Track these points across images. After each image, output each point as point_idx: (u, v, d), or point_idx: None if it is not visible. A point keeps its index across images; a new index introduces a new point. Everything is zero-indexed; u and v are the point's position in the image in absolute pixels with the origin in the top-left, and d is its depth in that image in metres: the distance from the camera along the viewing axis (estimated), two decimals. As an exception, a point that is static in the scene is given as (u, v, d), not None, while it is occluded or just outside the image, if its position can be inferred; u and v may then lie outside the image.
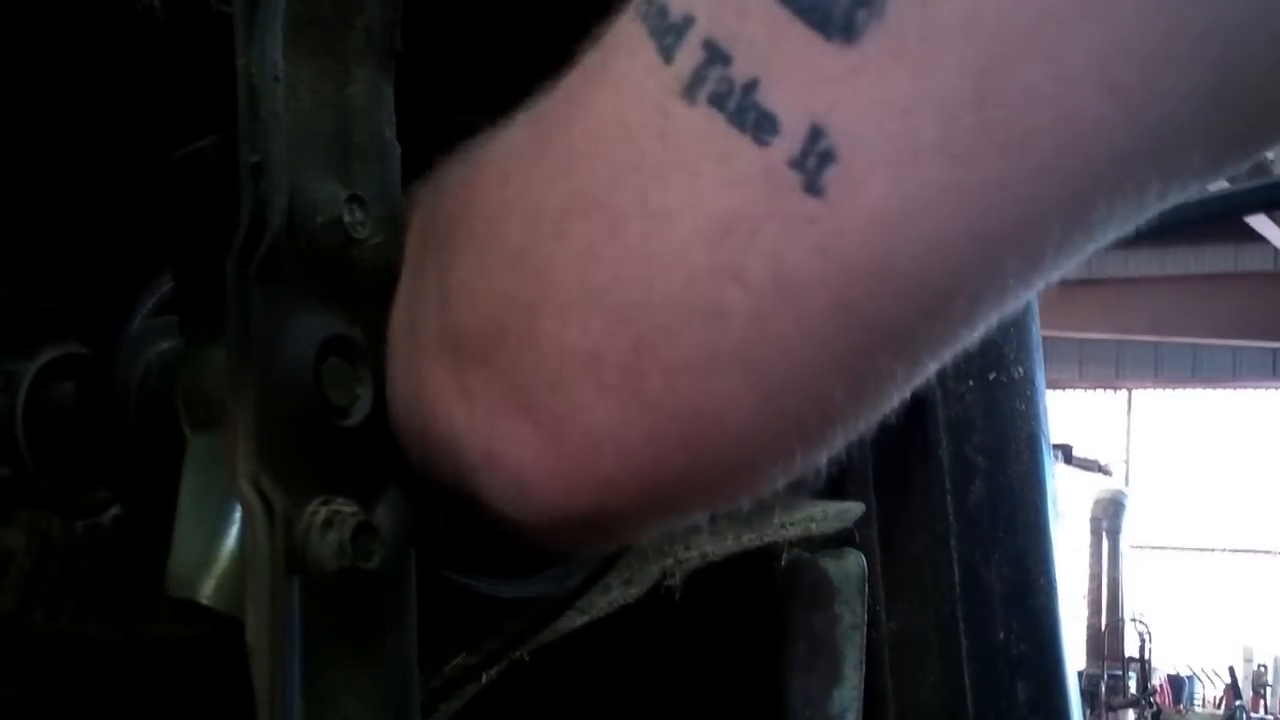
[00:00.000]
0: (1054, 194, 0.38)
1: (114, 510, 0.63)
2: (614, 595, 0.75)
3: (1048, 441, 1.09)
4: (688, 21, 0.40)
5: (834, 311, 0.40)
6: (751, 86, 0.39)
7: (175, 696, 0.68)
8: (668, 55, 0.41)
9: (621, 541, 0.70)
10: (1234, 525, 16.36)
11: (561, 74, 0.46)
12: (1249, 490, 16.10)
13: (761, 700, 0.91)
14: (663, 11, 0.41)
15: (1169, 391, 16.14)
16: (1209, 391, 15.88)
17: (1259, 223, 9.21)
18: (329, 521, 0.46)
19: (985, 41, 0.36)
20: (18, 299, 0.63)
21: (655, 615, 0.78)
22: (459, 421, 0.47)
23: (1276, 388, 15.15)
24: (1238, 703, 11.95)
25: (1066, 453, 11.34)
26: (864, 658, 0.91)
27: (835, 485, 0.96)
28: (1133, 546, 12.05)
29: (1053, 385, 13.87)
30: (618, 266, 0.42)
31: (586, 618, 0.74)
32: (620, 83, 0.42)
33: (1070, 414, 15.43)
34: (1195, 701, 13.33)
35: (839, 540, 0.93)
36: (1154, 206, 0.41)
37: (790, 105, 0.38)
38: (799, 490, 0.91)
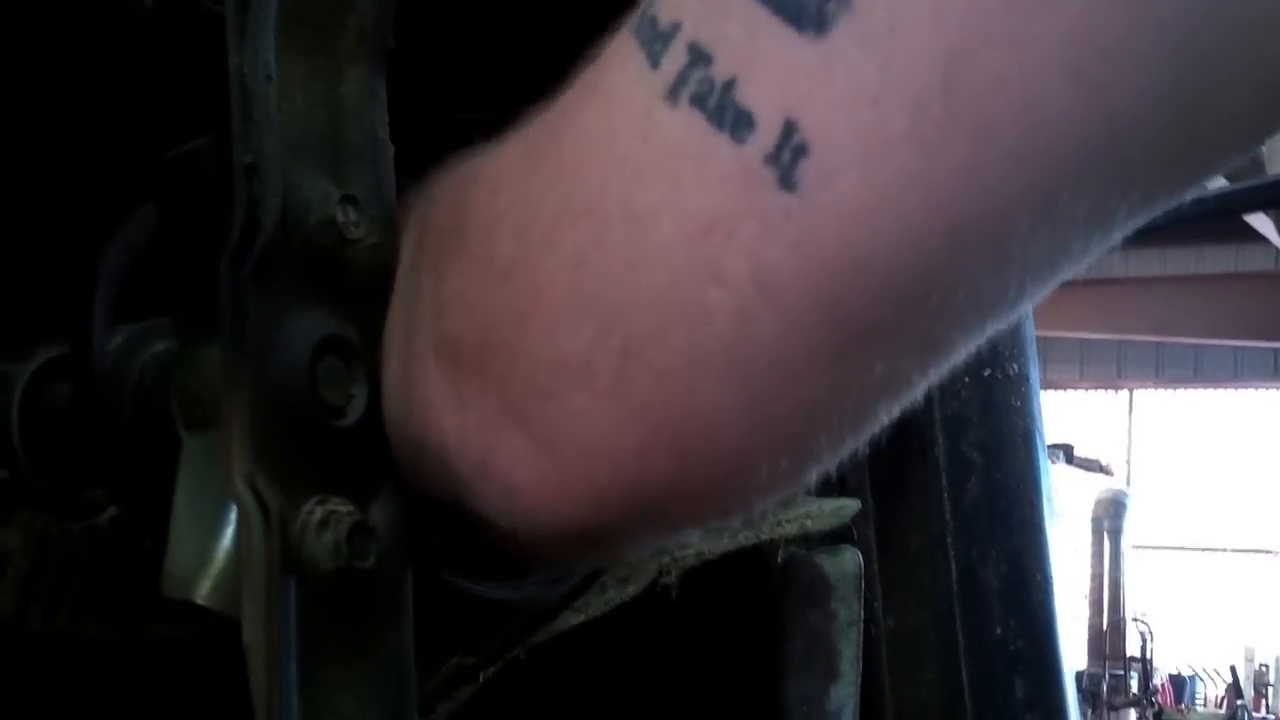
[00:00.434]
0: (1021, 182, 0.38)
1: (110, 511, 0.63)
2: (610, 594, 0.75)
3: (1043, 438, 1.09)
4: (675, 28, 0.41)
5: (812, 308, 0.40)
6: (730, 85, 0.39)
7: (173, 697, 0.68)
8: (655, 61, 0.41)
9: (611, 557, 0.70)
10: (1236, 525, 16.33)
11: (555, 89, 0.46)
12: (1250, 490, 16.08)
13: (758, 698, 0.91)
14: (653, 22, 0.42)
15: (1170, 391, 16.13)
16: (1210, 392, 15.87)
17: (1259, 222, 9.20)
18: (325, 521, 0.46)
19: (952, 28, 0.36)
20: (13, 299, 0.64)
21: (651, 613, 0.78)
22: (452, 431, 0.47)
23: (1278, 388, 15.15)
24: (1239, 702, 11.93)
25: (1068, 453, 11.32)
26: (861, 655, 0.91)
27: (831, 482, 0.96)
28: (1134, 546, 12.02)
29: (1054, 385, 13.90)
30: (604, 271, 0.42)
31: (583, 616, 0.74)
32: (610, 93, 0.43)
33: (1072, 414, 15.41)
34: (1197, 701, 13.32)
35: (835, 537, 0.93)
36: (1120, 218, 0.41)
37: (765, 101, 0.39)
38: (795, 488, 0.91)
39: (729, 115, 0.39)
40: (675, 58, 0.40)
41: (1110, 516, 11.11)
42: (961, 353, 0.44)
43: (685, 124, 0.40)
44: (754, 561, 0.89)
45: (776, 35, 0.38)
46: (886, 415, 0.45)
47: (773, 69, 0.39)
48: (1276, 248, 10.56)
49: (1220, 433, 16.42)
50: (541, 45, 0.51)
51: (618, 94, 0.42)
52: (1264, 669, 13.40)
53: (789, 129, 0.38)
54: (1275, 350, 13.87)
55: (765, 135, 0.39)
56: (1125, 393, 16.50)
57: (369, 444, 0.49)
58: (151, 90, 0.63)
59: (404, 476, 0.50)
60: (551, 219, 0.43)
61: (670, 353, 0.42)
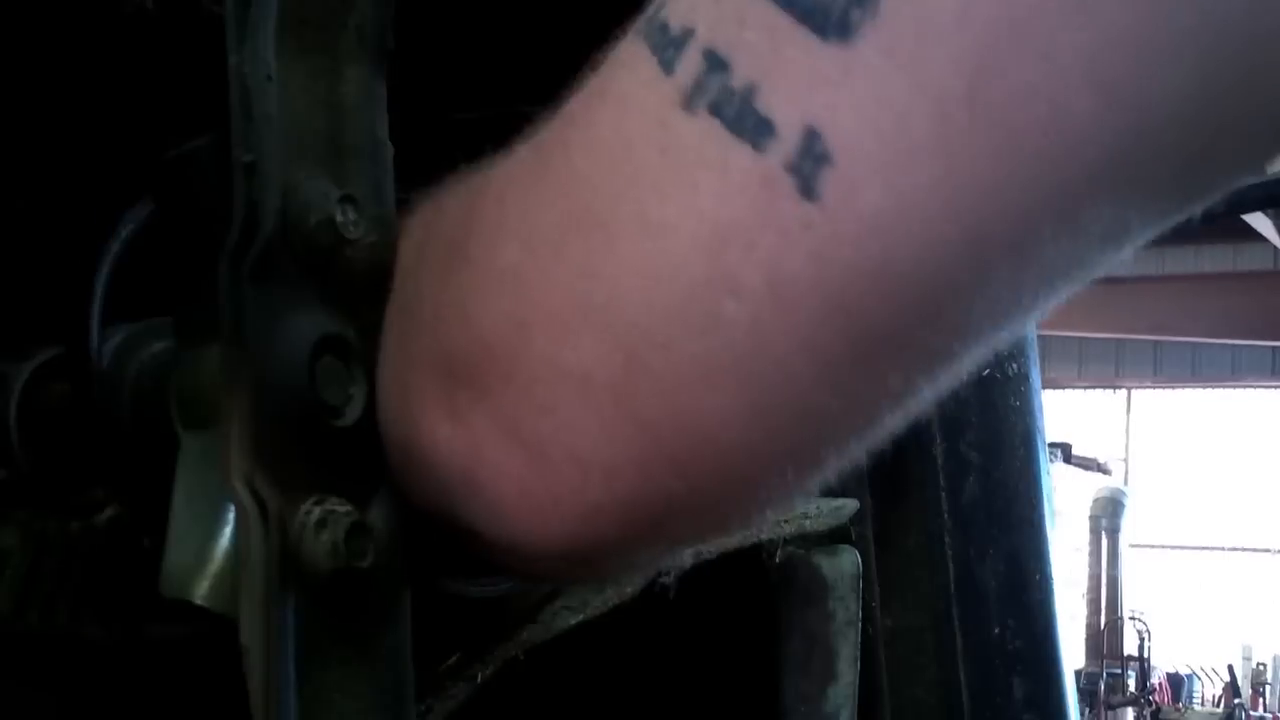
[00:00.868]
0: (1043, 193, 0.38)
1: (109, 510, 0.63)
2: (608, 594, 0.75)
3: (1043, 438, 1.09)
4: (687, 33, 0.40)
5: (829, 318, 0.40)
6: (750, 92, 0.39)
7: (171, 697, 0.68)
8: (668, 68, 0.40)
9: (605, 576, 0.69)
10: (1233, 524, 16.34)
11: (556, 88, 0.45)
12: (1248, 489, 16.09)
13: (756, 698, 0.91)
14: (663, 28, 0.41)
15: (1168, 390, 16.14)
16: (1208, 390, 15.88)
17: (1258, 222, 9.20)
18: (323, 521, 0.46)
19: (978, 37, 0.36)
20: (11, 299, 0.64)
21: (649, 613, 0.78)
22: (442, 440, 0.46)
23: (1276, 387, 15.16)
24: (1237, 701, 11.94)
25: (1066, 452, 11.33)
26: (859, 655, 0.91)
27: (829, 482, 0.96)
28: (1132, 545, 12.03)
29: (1052, 384, 13.89)
30: (615, 283, 0.41)
31: (581, 616, 0.74)
32: (621, 99, 0.42)
33: (1070, 413, 15.42)
34: (1194, 700, 13.32)
35: (833, 537, 0.93)
36: (1135, 229, 0.40)
37: (786, 109, 0.38)
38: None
39: (749, 123, 0.39)
40: (690, 64, 0.40)
41: (1108, 515, 11.12)
42: (971, 362, 0.44)
43: (703, 132, 0.39)
44: (752, 561, 0.89)
45: (799, 42, 0.38)
46: (894, 424, 0.45)
47: (794, 76, 0.38)
48: (1275, 247, 10.57)
49: (1218, 431, 16.43)
50: (542, 45, 0.51)
51: (629, 101, 0.42)
52: (1261, 668, 13.41)
53: (811, 137, 0.38)
54: (1273, 349, 13.88)
55: (786, 144, 0.38)
56: (1123, 392, 16.51)
57: (367, 444, 0.49)
58: (151, 90, 0.63)
59: (395, 480, 0.50)
60: (560, 228, 0.43)
61: (677, 365, 0.41)
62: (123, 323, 0.60)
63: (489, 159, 0.49)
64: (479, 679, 0.70)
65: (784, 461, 0.44)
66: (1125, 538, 11.35)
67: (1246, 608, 15.25)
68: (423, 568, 0.53)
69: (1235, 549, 16.57)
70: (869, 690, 0.94)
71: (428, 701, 0.68)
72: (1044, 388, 1.11)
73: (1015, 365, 1.05)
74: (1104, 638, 10.90)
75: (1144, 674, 11.00)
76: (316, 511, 0.46)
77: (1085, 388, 15.87)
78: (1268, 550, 16.08)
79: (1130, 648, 10.98)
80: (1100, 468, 12.99)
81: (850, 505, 0.95)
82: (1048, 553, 1.06)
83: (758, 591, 0.91)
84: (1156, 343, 14.27)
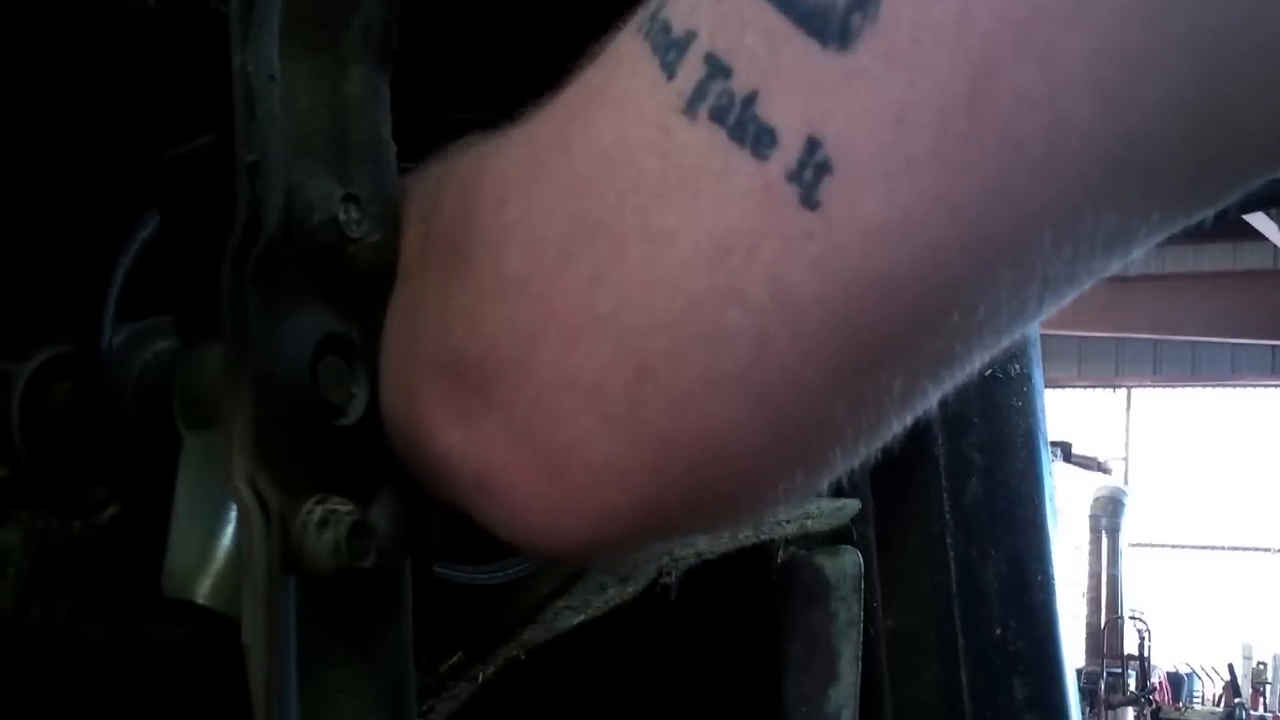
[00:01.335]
0: (1045, 200, 0.37)
1: (111, 509, 0.63)
2: (610, 594, 0.75)
3: (1045, 438, 1.09)
4: (690, 36, 0.40)
5: (834, 328, 0.39)
6: (751, 99, 0.38)
7: (172, 696, 0.68)
8: (670, 72, 0.40)
9: (619, 558, 0.70)
10: (1233, 523, 16.35)
11: (557, 89, 0.45)
12: (1248, 488, 16.09)
13: (758, 698, 0.91)
14: (665, 28, 0.41)
15: (1168, 389, 16.15)
16: (1208, 389, 15.89)
17: (1258, 220, 9.21)
18: (325, 521, 0.46)
19: (977, 43, 0.36)
20: (15, 298, 0.64)
21: (651, 613, 0.78)
22: (453, 445, 0.46)
23: (1275, 385, 15.15)
24: (1237, 700, 11.94)
25: (1066, 450, 11.33)
26: (860, 655, 0.90)
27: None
28: (1132, 544, 12.05)
29: (1052, 383, 13.90)
30: (621, 292, 0.41)
31: (583, 616, 0.74)
32: (622, 102, 0.42)
33: (1070, 412, 15.42)
34: (1194, 699, 13.33)
35: (835, 537, 0.93)
36: (1140, 236, 0.40)
37: (787, 116, 0.38)
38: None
39: (750, 131, 0.38)
40: (692, 69, 0.39)
41: (1108, 514, 11.13)
42: (976, 364, 0.44)
43: (705, 139, 0.39)
44: (754, 561, 0.89)
45: (799, 49, 0.38)
46: (899, 425, 0.44)
47: (795, 84, 0.38)
48: (1275, 245, 10.57)
49: (1218, 430, 16.42)
50: (543, 44, 0.50)
51: (630, 104, 0.41)
52: (1261, 667, 13.41)
53: (812, 145, 0.38)
54: (1273, 348, 13.88)
55: (787, 152, 0.38)
56: (1123, 390, 16.52)
57: (369, 443, 0.49)
58: (155, 89, 0.63)
59: (404, 474, 0.50)
60: (564, 236, 0.42)
61: (686, 375, 0.41)
62: (125, 322, 0.60)
63: (470, 142, 0.49)
64: (480, 679, 0.70)
65: (794, 464, 0.44)
66: (1125, 537, 11.37)
67: (1247, 607, 15.26)
68: (426, 556, 0.53)
69: (1235, 548, 16.58)
70: (870, 690, 0.94)
71: (429, 701, 0.68)
72: (1044, 387, 1.11)
73: (1017, 366, 1.05)
74: (1104, 637, 10.91)
75: (1144, 673, 11.01)
76: (318, 511, 0.46)
77: (1085, 387, 15.88)
78: (1268, 549, 16.09)
79: (1130, 647, 10.99)
80: (1100, 467, 13.00)
81: (852, 505, 0.95)
82: (1049, 554, 1.06)
83: (760, 592, 0.91)
84: (1156, 341, 14.27)
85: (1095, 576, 11.14)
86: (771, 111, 0.38)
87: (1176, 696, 12.90)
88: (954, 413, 1.03)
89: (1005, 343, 0.43)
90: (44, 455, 0.61)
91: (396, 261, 0.50)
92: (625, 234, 0.41)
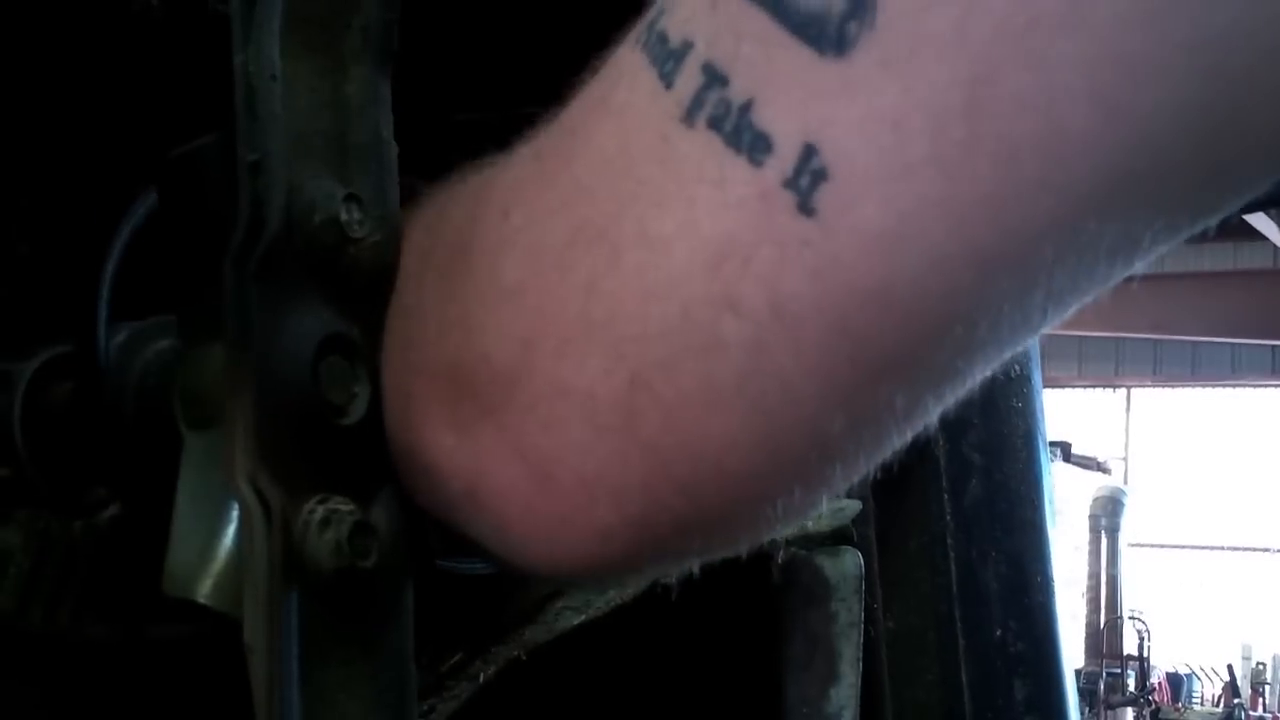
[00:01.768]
0: (1045, 210, 0.37)
1: (112, 509, 0.63)
2: (610, 594, 0.75)
3: (1045, 439, 1.08)
4: (687, 46, 0.40)
5: (832, 339, 0.39)
6: (748, 107, 0.38)
7: (174, 695, 0.68)
8: (668, 81, 0.40)
9: (615, 585, 0.68)
10: (1233, 523, 16.36)
11: (561, 103, 0.45)
12: (1248, 488, 16.10)
13: (758, 699, 0.91)
14: (662, 39, 0.40)
15: (1168, 389, 16.15)
16: (1208, 389, 15.90)
17: (1258, 220, 9.21)
18: (326, 520, 0.46)
19: (975, 50, 0.35)
20: (15, 298, 0.64)
21: (652, 614, 0.77)
22: (445, 451, 0.46)
23: (1275, 385, 15.16)
24: (1236, 701, 11.94)
25: (1066, 450, 11.33)
26: (861, 656, 0.90)
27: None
28: (1131, 544, 12.05)
29: (1052, 383, 13.91)
30: (615, 299, 0.41)
31: (583, 617, 0.74)
32: (622, 112, 0.42)
33: (1069, 412, 15.43)
34: (1194, 699, 13.34)
35: (836, 538, 0.93)
36: (1145, 245, 0.40)
37: (783, 123, 0.38)
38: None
39: (746, 138, 0.38)
40: (689, 78, 0.39)
41: (1108, 514, 11.13)
42: (978, 377, 0.43)
43: (702, 147, 0.39)
44: (754, 562, 0.89)
45: (795, 56, 0.37)
46: (900, 441, 0.44)
47: (791, 91, 0.38)
48: (1275, 245, 10.57)
49: (1218, 430, 16.43)
50: (545, 46, 0.50)
51: (630, 114, 0.41)
52: (1261, 667, 13.42)
53: (808, 152, 0.37)
54: (1273, 348, 13.89)
55: (784, 159, 0.38)
56: (1123, 390, 16.53)
57: (371, 443, 0.49)
58: (157, 89, 0.63)
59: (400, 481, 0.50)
60: (564, 244, 0.42)
61: (680, 385, 0.40)
62: (127, 321, 0.60)
63: (489, 158, 0.48)
64: (481, 679, 0.70)
65: (791, 482, 0.43)
66: (1125, 537, 11.37)
67: (1246, 607, 15.26)
68: (427, 556, 0.53)
69: (1235, 548, 16.58)
70: (871, 691, 0.94)
71: (430, 701, 0.68)
72: (1044, 387, 1.11)
73: (1017, 367, 1.05)
74: (1103, 637, 10.91)
75: (1143, 673, 11.01)
76: (320, 511, 0.46)
77: (1085, 386, 15.89)
78: (1268, 550, 16.09)
79: (1130, 647, 10.99)
80: (1100, 466, 13.00)
81: (853, 506, 0.95)
82: (1049, 555, 1.06)
83: (760, 592, 0.91)
84: (1156, 341, 14.28)
85: (1094, 576, 11.14)
86: (768, 118, 0.38)
87: (1176, 697, 12.91)
88: (954, 414, 1.02)
89: (1008, 355, 0.43)
90: (45, 455, 0.61)
91: (398, 263, 0.50)
92: (622, 241, 0.41)
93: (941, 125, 0.36)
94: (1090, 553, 11.13)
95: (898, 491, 1.02)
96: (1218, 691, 12.90)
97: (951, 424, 1.03)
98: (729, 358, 0.40)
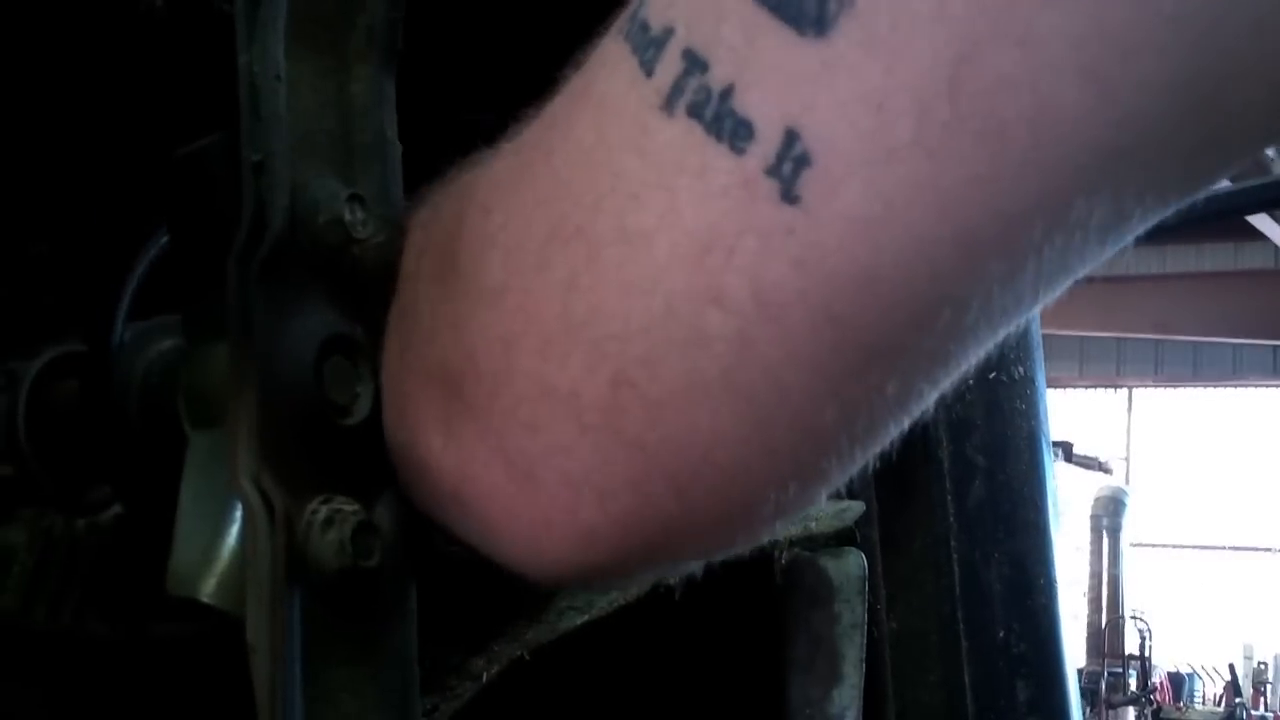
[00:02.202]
0: (1033, 189, 0.36)
1: (116, 508, 0.63)
2: (613, 595, 0.75)
3: (1048, 440, 1.08)
4: (667, 33, 0.39)
5: (819, 327, 0.38)
6: (728, 92, 0.37)
7: (176, 695, 0.68)
8: (648, 69, 0.39)
9: (608, 590, 0.68)
10: (1234, 523, 16.36)
11: (546, 98, 0.44)
12: (1249, 488, 16.10)
13: (761, 700, 0.91)
14: (644, 27, 0.40)
15: (1169, 389, 16.15)
16: (1209, 389, 15.89)
17: (1260, 220, 9.20)
18: (330, 520, 0.46)
19: (957, 27, 0.35)
20: (19, 297, 0.64)
21: (654, 614, 0.77)
22: (435, 452, 0.46)
23: (1277, 385, 15.15)
24: (1238, 700, 11.94)
25: (1067, 450, 11.32)
26: (864, 657, 0.90)
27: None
28: (1133, 544, 12.05)
29: (1053, 384, 13.90)
30: (595, 296, 0.40)
31: (586, 617, 0.74)
32: (602, 103, 0.41)
33: (1071, 412, 15.42)
34: (1195, 699, 13.33)
35: (839, 539, 0.93)
36: (1134, 221, 0.39)
37: (765, 108, 0.37)
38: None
39: (727, 124, 0.37)
40: (669, 65, 0.38)
41: (1109, 514, 11.13)
42: (972, 361, 0.42)
43: (683, 135, 0.38)
44: (757, 563, 0.89)
45: (775, 38, 0.36)
46: (897, 429, 0.43)
47: (772, 74, 0.37)
48: (1276, 245, 10.56)
49: (1219, 430, 16.43)
50: (549, 45, 0.50)
51: (609, 104, 0.40)
52: (1262, 667, 13.42)
53: (790, 138, 0.36)
54: (1274, 348, 13.88)
55: (765, 145, 0.37)
56: (1124, 390, 16.53)
57: (374, 443, 0.49)
58: (161, 88, 0.63)
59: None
60: (543, 241, 0.41)
61: (665, 381, 0.40)
62: (130, 321, 0.60)
63: (480, 155, 0.48)
64: (484, 678, 0.70)
65: (785, 477, 0.42)
66: (1126, 536, 11.37)
67: (1247, 607, 15.26)
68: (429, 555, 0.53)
69: (1236, 548, 16.58)
70: (874, 692, 0.94)
71: (432, 700, 0.68)
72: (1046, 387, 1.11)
73: (1021, 368, 1.05)
74: (1105, 637, 10.91)
75: (1145, 673, 11.01)
76: (323, 510, 0.46)
77: (1086, 387, 15.89)
78: (1268, 549, 16.09)
79: (1131, 647, 10.99)
80: (1101, 467, 13.00)
81: (856, 508, 0.95)
82: (1052, 556, 1.06)
83: (763, 593, 0.90)
84: (1158, 341, 14.27)
85: (1096, 576, 11.14)
86: (749, 104, 0.37)
87: (1177, 696, 12.90)
88: (958, 416, 1.03)
89: (1001, 336, 0.42)
90: (49, 454, 0.61)
91: (400, 263, 0.50)
92: (601, 237, 0.40)
93: (925, 106, 0.35)
94: (1092, 552, 11.13)
95: (901, 493, 1.02)
96: (1219, 691, 12.90)
97: (955, 426, 1.02)
98: (714, 351, 0.39)
